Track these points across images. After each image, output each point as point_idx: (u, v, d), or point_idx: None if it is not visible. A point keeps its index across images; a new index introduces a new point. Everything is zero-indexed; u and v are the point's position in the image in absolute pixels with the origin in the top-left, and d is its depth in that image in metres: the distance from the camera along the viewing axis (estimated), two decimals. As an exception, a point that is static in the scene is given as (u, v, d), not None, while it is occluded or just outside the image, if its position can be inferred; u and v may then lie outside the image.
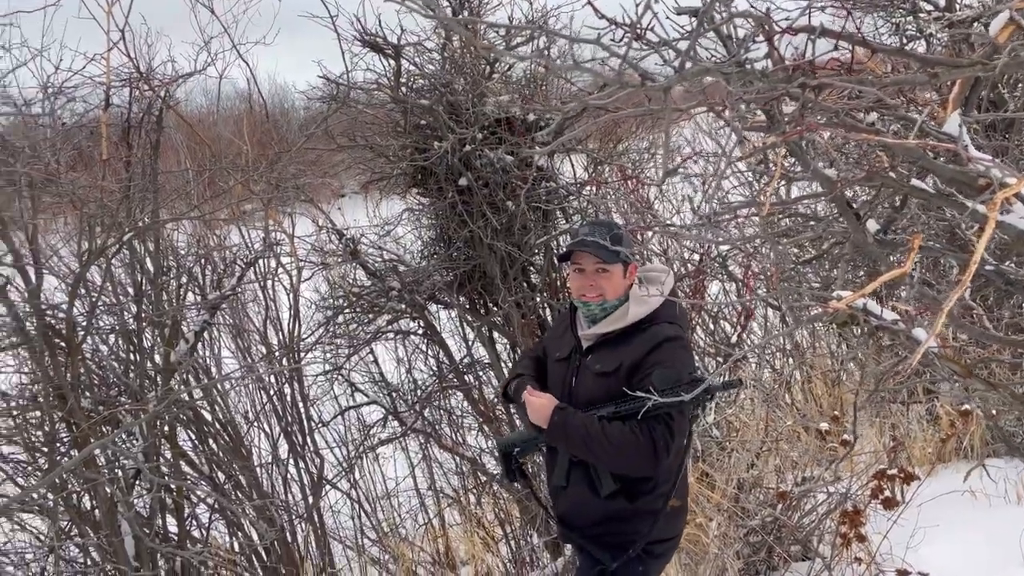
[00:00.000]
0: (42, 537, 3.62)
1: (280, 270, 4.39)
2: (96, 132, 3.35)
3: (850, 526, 3.31)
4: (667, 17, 1.66)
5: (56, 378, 3.17)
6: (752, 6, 1.77)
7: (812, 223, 2.71)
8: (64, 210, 3.46)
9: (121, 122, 3.45)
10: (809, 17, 1.69)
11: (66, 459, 3.47)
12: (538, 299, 4.43)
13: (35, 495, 3.33)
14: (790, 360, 4.92)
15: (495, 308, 4.50)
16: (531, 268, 4.54)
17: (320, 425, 4.72)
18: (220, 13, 3.47)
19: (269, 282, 4.41)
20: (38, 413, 3.41)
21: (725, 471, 3.52)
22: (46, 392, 3.14)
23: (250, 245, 4.29)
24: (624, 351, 2.57)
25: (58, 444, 3.46)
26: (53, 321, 3.25)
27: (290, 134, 5.29)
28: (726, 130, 2.10)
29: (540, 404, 2.56)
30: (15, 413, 3.44)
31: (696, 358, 3.64)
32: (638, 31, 1.17)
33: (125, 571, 3.24)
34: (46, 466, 3.59)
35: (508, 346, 4.62)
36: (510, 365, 4.69)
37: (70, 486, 3.33)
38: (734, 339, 4.31)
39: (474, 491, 4.86)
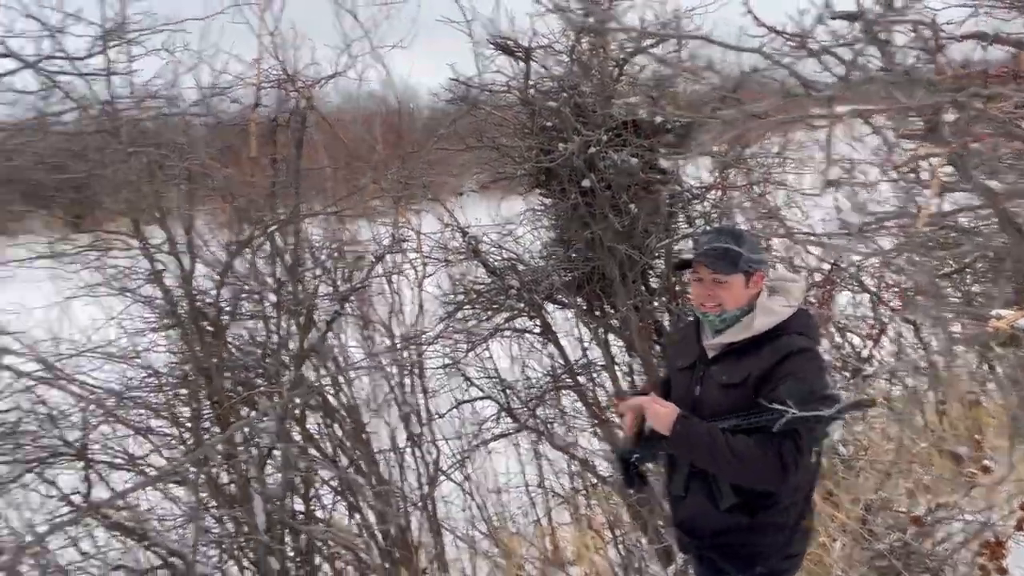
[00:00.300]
0: (182, 506, 3.90)
1: (406, 265, 4.55)
2: (246, 131, 3.57)
3: (990, 558, 3.11)
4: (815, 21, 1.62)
5: (204, 359, 3.41)
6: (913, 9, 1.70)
7: (955, 235, 2.56)
8: (212, 202, 3.70)
9: (268, 121, 3.66)
10: (977, 23, 1.61)
11: (208, 435, 3.73)
12: (656, 303, 4.39)
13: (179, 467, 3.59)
14: (924, 378, 4.65)
15: (612, 310, 4.49)
16: (650, 272, 4.51)
17: (437, 416, 4.86)
18: (362, 18, 3.63)
19: (395, 276, 4.57)
20: (185, 391, 3.68)
21: (851, 491, 3.37)
22: (196, 371, 3.38)
23: (379, 240, 4.46)
24: (751, 362, 2.51)
25: (201, 420, 3.73)
26: (202, 306, 3.50)
27: (415, 134, 5.46)
28: (871, 137, 2.02)
29: (663, 412, 2.53)
30: (165, 389, 3.72)
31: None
32: (803, 40, 1.15)
33: (260, 541, 3.44)
34: (190, 440, 3.87)
35: (624, 349, 4.59)
36: (625, 369, 4.67)
37: (211, 461, 3.57)
38: (864, 353, 4.12)
39: (584, 492, 4.87)
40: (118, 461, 3.91)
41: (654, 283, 4.55)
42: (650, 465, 2.61)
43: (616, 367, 4.64)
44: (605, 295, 4.49)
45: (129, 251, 3.45)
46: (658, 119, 4.05)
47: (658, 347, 4.39)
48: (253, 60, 3.46)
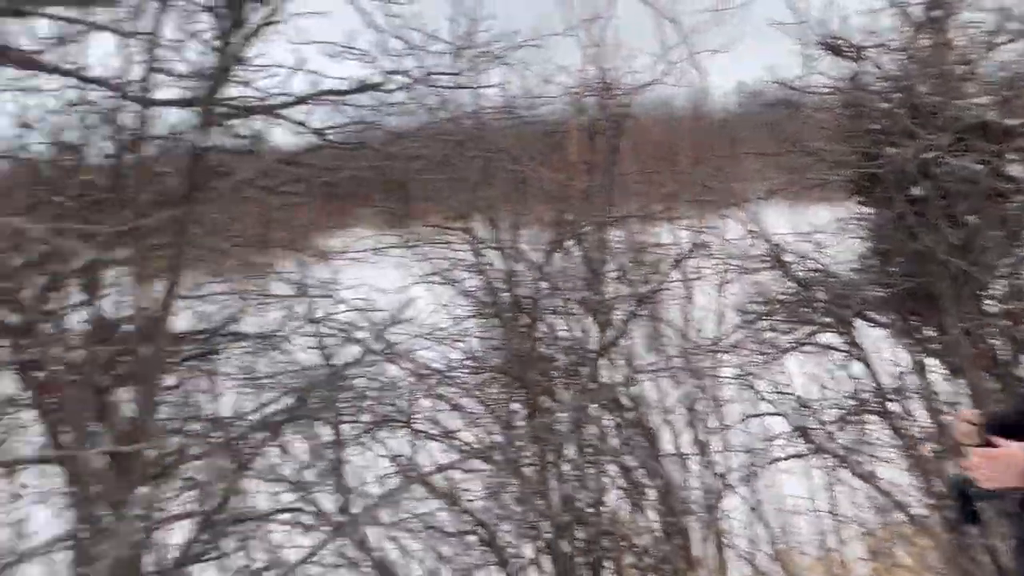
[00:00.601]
0: (488, 482, 4.21)
1: (705, 270, 4.50)
2: (567, 136, 3.78)
3: None
4: None
5: (518, 347, 3.67)
6: None
7: None
8: (534, 203, 3.96)
9: (587, 128, 3.84)
10: None
11: (514, 419, 4.01)
12: (995, 328, 3.88)
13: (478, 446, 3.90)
14: None
15: (937, 333, 4.05)
16: (987, 292, 3.99)
17: (725, 428, 4.74)
18: (682, 25, 3.66)
19: (692, 281, 4.55)
20: (498, 375, 3.98)
21: None
22: (511, 359, 3.65)
23: (679, 245, 4.47)
24: None
25: (510, 404, 4.01)
26: (520, 299, 3.76)
27: (713, 138, 5.38)
28: None
29: (1008, 453, 2.23)
30: (480, 372, 4.06)
31: None
32: None
33: (555, 523, 3.62)
34: (495, 423, 4.18)
35: (949, 376, 4.12)
36: (947, 398, 4.19)
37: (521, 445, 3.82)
38: None
39: (887, 527, 4.46)
40: (433, 432, 4.33)
41: (988, 305, 4.03)
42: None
43: (935, 395, 4.18)
44: (927, 315, 4.06)
45: (460, 245, 3.81)
46: (1009, 122, 3.59)
47: (993, 377, 3.89)
48: (577, 70, 3.65)
